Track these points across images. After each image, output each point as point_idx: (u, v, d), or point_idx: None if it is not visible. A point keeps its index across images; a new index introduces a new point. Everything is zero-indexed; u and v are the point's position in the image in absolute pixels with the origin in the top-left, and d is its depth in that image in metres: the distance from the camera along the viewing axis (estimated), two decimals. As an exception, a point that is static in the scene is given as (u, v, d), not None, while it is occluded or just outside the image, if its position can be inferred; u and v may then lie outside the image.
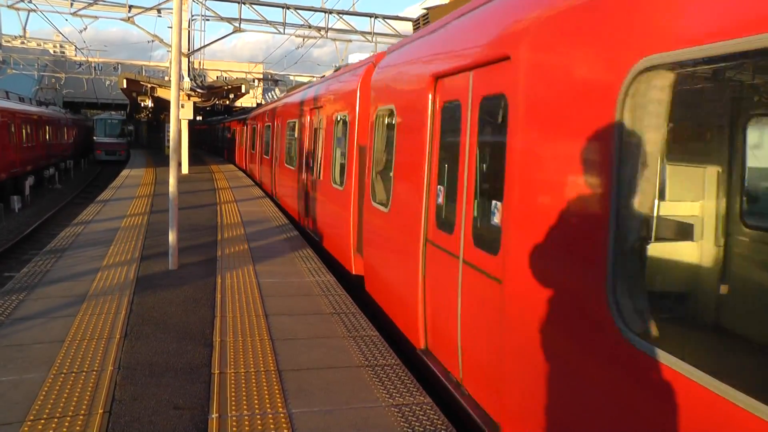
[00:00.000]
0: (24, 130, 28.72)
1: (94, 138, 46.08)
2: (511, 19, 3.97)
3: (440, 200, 5.15)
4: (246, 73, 51.38)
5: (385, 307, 6.82)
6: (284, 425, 4.06)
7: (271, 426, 4.05)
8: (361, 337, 5.83)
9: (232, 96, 25.16)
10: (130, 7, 22.79)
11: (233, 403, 4.38)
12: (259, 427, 4.03)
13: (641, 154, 2.69)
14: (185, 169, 23.88)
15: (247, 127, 26.53)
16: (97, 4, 22.88)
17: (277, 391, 4.59)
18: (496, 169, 4.18)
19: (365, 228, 7.64)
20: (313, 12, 24.99)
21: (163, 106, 27.14)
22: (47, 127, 35.31)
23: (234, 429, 4.00)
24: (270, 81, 49.69)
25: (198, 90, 22.43)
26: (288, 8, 24.28)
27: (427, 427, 4.12)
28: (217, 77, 47.17)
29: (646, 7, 2.55)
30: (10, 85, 39.84)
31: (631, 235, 2.72)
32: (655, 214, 2.86)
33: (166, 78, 28.93)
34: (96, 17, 23.91)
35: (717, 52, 2.15)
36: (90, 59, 48.69)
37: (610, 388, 2.72)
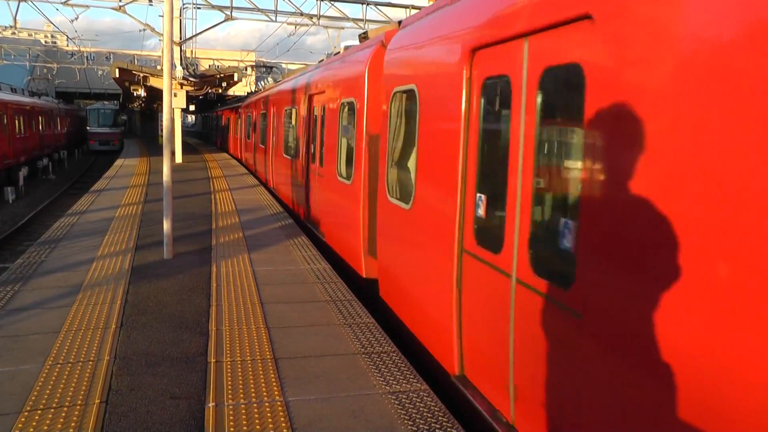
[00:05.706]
0: (17, 121, 28.57)
1: (88, 128, 45.63)
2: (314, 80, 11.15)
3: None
4: (238, 61, 50.99)
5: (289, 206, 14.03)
6: (281, 413, 4.08)
7: (268, 414, 4.06)
8: (357, 325, 5.85)
9: (224, 84, 24.94)
10: (121, -5, 22.56)
11: (230, 391, 4.39)
12: (256, 416, 4.04)
13: (346, 128, 8.82)
14: (179, 158, 23.77)
15: (241, 115, 26.42)
16: (88, -8, 22.65)
17: (273, 379, 4.60)
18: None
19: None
20: (305, -1, 24.83)
21: (155, 95, 26.91)
22: (40, 118, 35.10)
23: (231, 417, 4.01)
24: (262, 68, 49.33)
25: (190, 79, 22.27)
26: (280, -5, 24.09)
27: (425, 413, 4.14)
28: (210, 66, 46.76)
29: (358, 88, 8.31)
30: (1, 76, 39.59)
31: (343, 155, 8.97)
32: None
33: (159, 67, 28.67)
34: (87, 6, 23.71)
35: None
36: (82, 49, 48.24)
37: (340, 194, 8.97)
